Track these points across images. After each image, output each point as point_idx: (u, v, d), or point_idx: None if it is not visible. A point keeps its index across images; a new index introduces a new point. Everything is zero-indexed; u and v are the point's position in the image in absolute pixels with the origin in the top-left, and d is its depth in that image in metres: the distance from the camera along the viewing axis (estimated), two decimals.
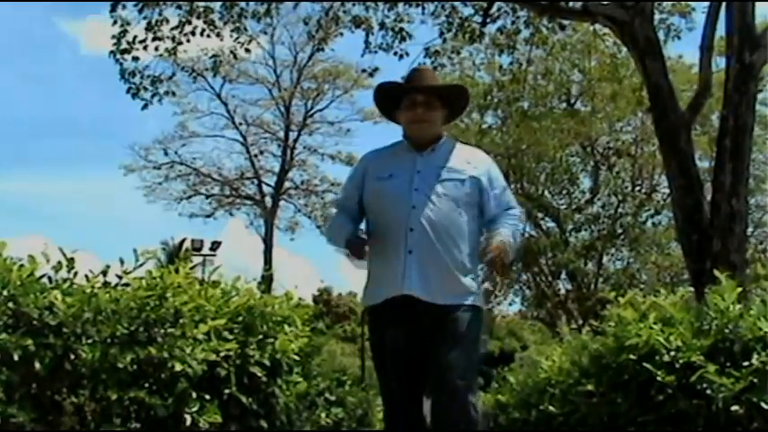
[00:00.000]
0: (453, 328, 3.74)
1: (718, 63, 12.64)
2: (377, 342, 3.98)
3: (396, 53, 13.90)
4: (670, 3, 14.63)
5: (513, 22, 14.46)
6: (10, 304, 3.95)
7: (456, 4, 13.96)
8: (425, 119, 3.98)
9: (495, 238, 3.84)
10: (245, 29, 14.04)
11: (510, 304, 30.55)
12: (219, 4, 13.46)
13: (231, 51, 14.75)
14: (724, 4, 9.97)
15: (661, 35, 12.99)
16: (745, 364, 4.15)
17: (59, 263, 4.29)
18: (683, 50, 26.30)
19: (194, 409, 4.37)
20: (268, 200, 33.70)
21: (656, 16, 12.24)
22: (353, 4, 14.03)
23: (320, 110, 34.32)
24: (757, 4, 9.63)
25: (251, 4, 13.71)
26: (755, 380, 4.07)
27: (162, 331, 4.36)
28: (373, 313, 4.00)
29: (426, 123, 3.99)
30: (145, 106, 13.56)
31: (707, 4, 10.59)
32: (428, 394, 3.83)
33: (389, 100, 4.14)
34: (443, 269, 3.79)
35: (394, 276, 3.79)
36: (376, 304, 3.92)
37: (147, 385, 4.25)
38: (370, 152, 4.19)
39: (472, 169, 3.95)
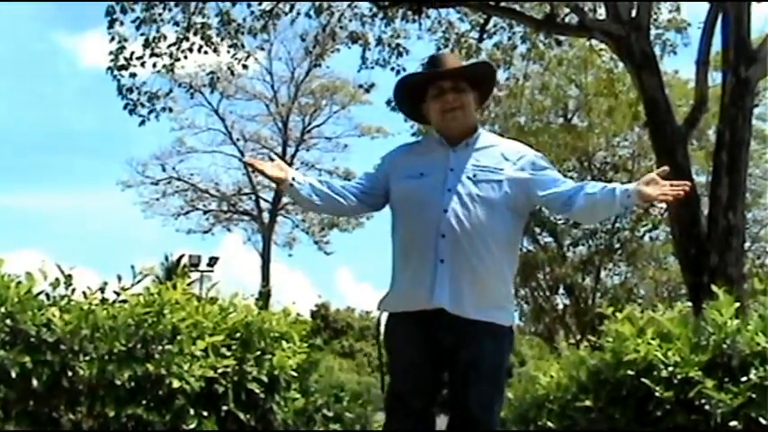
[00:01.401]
0: (482, 356, 3.46)
1: (715, 78, 12.69)
2: (391, 350, 3.69)
3: (392, 69, 14.00)
4: (666, 18, 14.70)
5: (509, 38, 14.58)
6: (7, 321, 3.96)
7: (453, 19, 14.04)
8: (458, 104, 3.64)
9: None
10: (242, 45, 14.10)
11: None
12: (217, 20, 13.52)
13: (228, 67, 14.79)
14: (720, 18, 10.01)
15: (657, 50, 13.05)
16: (744, 379, 4.15)
17: (57, 279, 4.31)
18: (679, 65, 26.44)
19: (192, 426, 4.37)
20: (266, 215, 33.68)
21: (652, 31, 12.29)
22: (350, 20, 14.10)
23: (317, 125, 34.45)
24: (753, 18, 9.69)
25: (248, 19, 13.77)
26: (753, 395, 4.07)
27: (159, 348, 4.36)
28: (393, 320, 3.66)
29: (460, 110, 3.64)
30: (142, 122, 13.60)
31: (703, 19, 10.65)
32: (439, 412, 3.69)
33: (411, 98, 3.78)
34: (477, 281, 3.44)
35: (423, 287, 3.45)
36: (397, 313, 3.61)
37: (144, 402, 4.25)
38: (394, 149, 3.79)
39: (510, 166, 3.57)
